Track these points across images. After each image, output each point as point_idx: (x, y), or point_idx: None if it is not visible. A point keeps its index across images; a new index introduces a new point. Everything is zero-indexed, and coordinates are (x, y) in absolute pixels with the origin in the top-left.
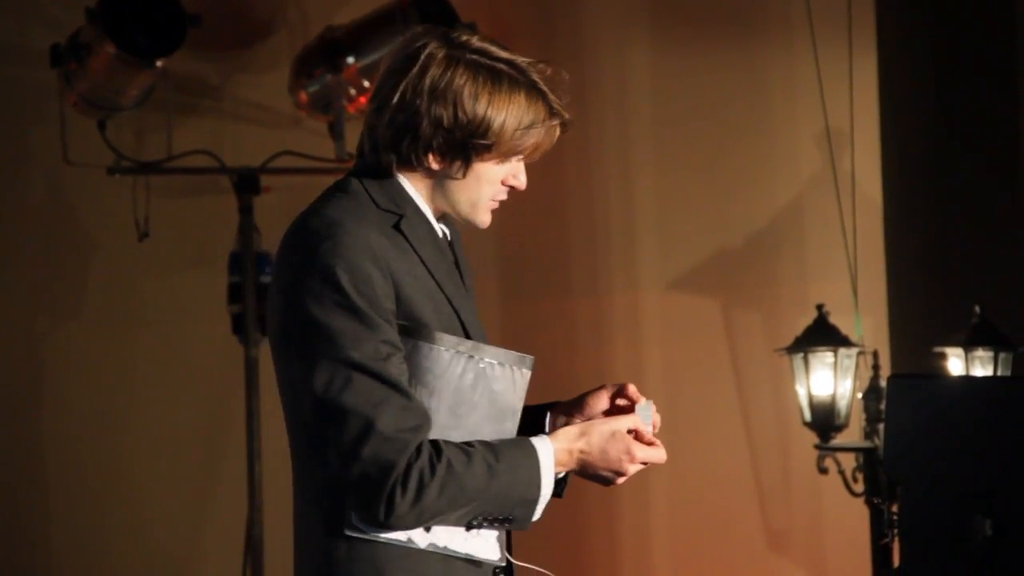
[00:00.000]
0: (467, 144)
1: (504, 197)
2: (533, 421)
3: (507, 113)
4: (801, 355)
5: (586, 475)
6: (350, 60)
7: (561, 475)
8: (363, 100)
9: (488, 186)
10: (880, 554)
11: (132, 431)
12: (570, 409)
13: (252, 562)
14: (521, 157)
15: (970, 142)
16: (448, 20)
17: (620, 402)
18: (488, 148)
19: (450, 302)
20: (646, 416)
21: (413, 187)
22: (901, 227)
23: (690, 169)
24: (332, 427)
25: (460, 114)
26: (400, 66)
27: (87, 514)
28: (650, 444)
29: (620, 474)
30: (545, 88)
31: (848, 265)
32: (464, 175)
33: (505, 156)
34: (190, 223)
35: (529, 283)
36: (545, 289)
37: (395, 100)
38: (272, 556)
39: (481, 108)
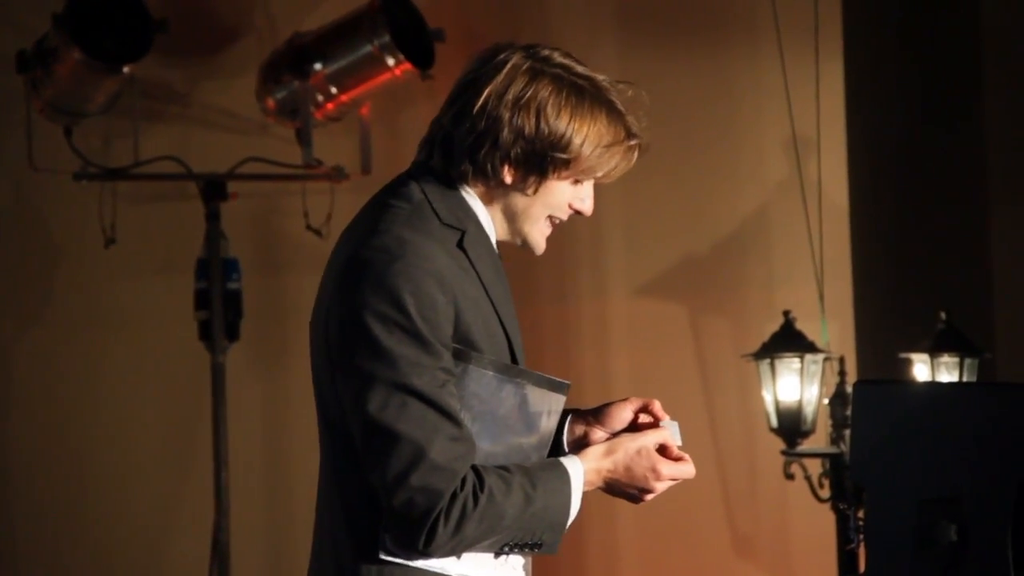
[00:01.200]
0: (545, 157)
1: (564, 218)
2: None
3: (588, 131)
4: (767, 361)
5: (613, 493)
6: (318, 66)
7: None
8: (330, 106)
9: (557, 206)
10: (846, 560)
11: (98, 437)
12: (590, 418)
13: (218, 567)
14: (595, 178)
15: (936, 149)
16: (416, 26)
17: (644, 419)
18: (566, 164)
19: (503, 325)
20: (673, 434)
21: (478, 201)
22: (867, 233)
23: (657, 175)
24: (382, 451)
25: (543, 125)
26: (483, 75)
27: (53, 520)
28: (678, 459)
29: (647, 491)
30: (623, 109)
31: (814, 271)
32: (536, 191)
33: (581, 174)
34: (157, 229)
35: None
36: (513, 295)
37: (477, 108)
38: (238, 562)
39: (563, 122)
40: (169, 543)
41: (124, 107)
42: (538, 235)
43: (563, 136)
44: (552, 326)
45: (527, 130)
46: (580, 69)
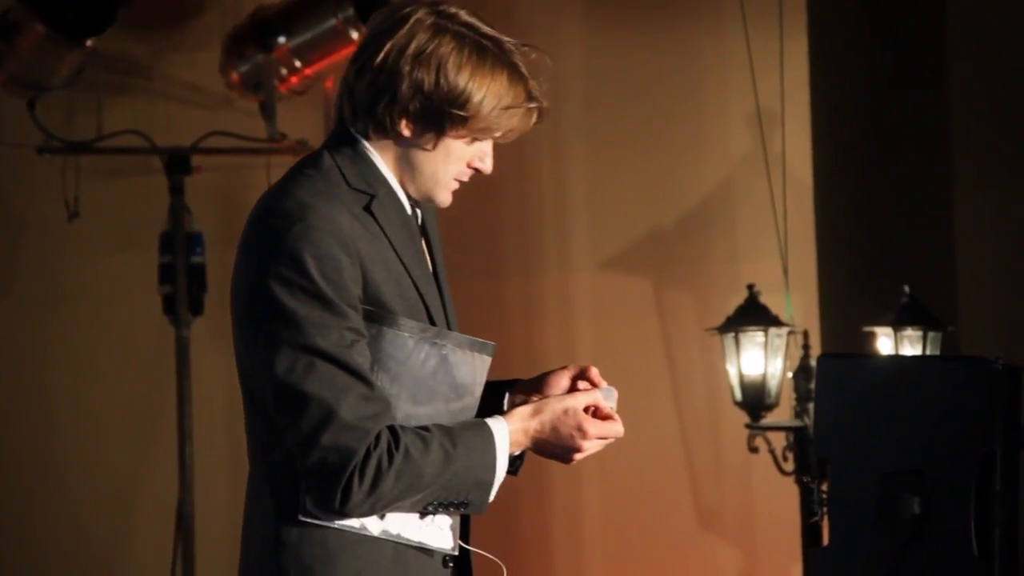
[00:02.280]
0: (443, 114)
1: (466, 179)
2: (492, 398)
3: (487, 90)
4: (732, 335)
5: (542, 453)
6: (281, 40)
7: (516, 454)
8: (294, 80)
9: (455, 164)
10: (809, 532)
11: (63, 411)
12: (530, 388)
13: (183, 541)
14: (492, 138)
15: (899, 123)
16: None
17: (581, 385)
18: (463, 121)
19: (416, 287)
20: (608, 400)
21: (385, 163)
22: (831, 207)
23: (622, 149)
24: (292, 413)
25: (442, 81)
26: (387, 29)
27: (16, 493)
28: (607, 419)
29: (573, 450)
30: (526, 72)
31: (778, 245)
32: (434, 147)
33: (478, 133)
34: (120, 203)
35: (461, 263)
36: (477, 269)
37: (378, 61)
38: (203, 535)
39: (463, 79)
40: (133, 517)
41: (87, 81)
42: (442, 191)
43: (461, 93)
44: (516, 300)
45: (426, 85)
46: (486, 29)
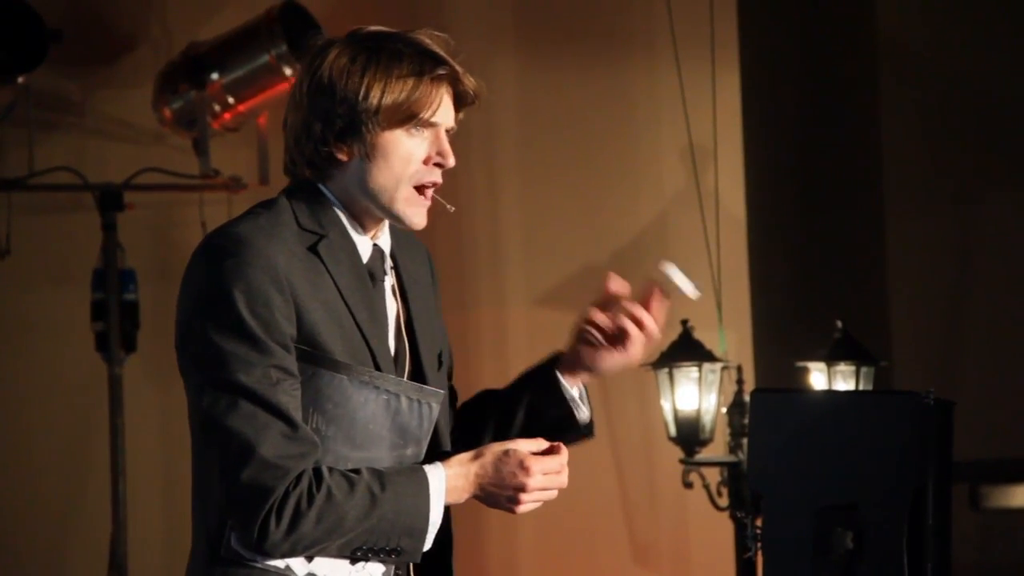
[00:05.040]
0: (355, 119)
1: (433, 179)
2: (542, 382)
3: (386, 77)
4: (666, 370)
5: (490, 501)
6: (214, 76)
7: (461, 502)
8: (227, 116)
9: (401, 166)
10: (744, 568)
11: None
12: (573, 361)
13: None
14: (422, 122)
15: (831, 159)
16: (313, 35)
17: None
18: (376, 114)
19: (360, 329)
20: (676, 276)
21: (342, 203)
22: (764, 243)
23: (555, 184)
24: (216, 448)
25: (339, 94)
26: (297, 74)
27: None
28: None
29: (519, 490)
30: (428, 45)
31: (712, 281)
32: (369, 155)
33: (403, 122)
34: (53, 240)
35: None
36: None
37: (292, 105)
38: (136, 573)
39: (355, 80)
40: (66, 556)
41: (19, 117)
42: (403, 205)
43: (358, 91)
44: (451, 335)
45: (327, 105)
46: (383, 31)
